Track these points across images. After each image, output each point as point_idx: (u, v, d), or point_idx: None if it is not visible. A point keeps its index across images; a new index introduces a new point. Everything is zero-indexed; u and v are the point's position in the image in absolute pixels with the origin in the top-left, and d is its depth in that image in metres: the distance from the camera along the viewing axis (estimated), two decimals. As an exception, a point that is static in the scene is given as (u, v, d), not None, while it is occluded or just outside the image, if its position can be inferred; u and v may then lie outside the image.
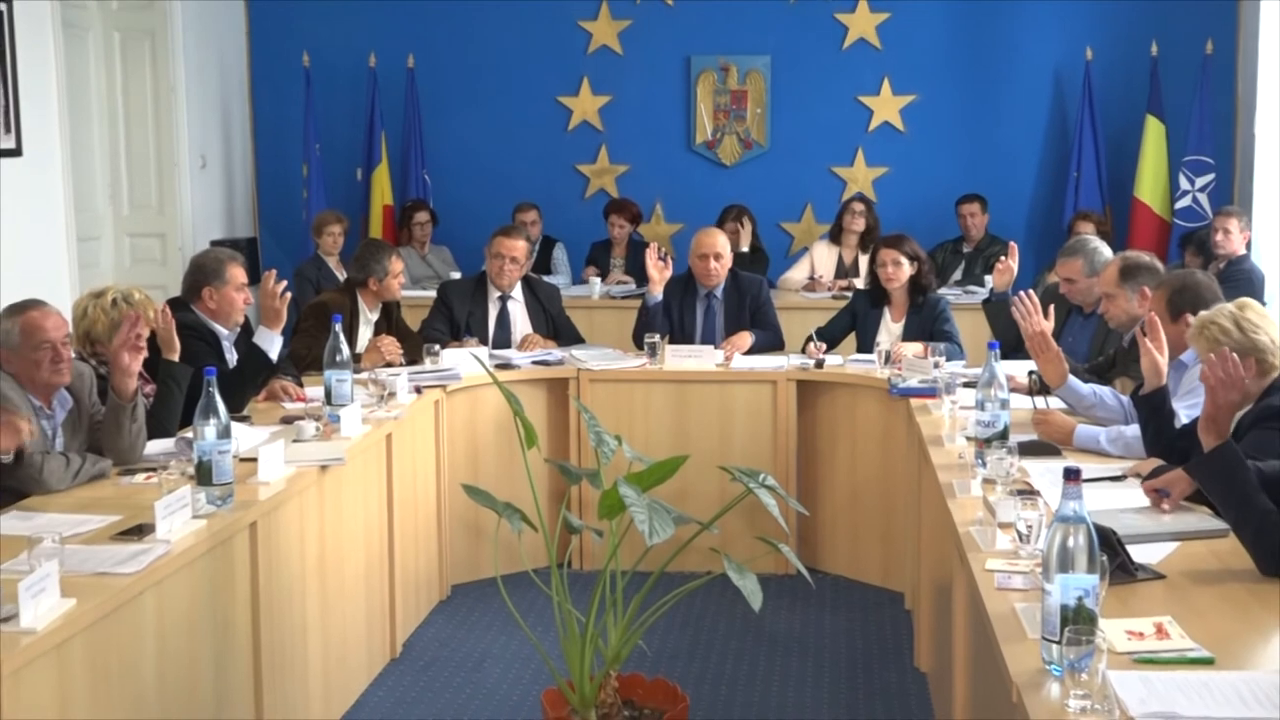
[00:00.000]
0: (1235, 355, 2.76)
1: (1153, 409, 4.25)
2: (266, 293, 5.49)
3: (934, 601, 4.97)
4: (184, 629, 3.70)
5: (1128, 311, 5.44)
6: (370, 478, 5.28)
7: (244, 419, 5.02)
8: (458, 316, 6.88)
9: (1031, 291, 5.27)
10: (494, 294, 6.97)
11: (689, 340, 6.88)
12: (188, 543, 3.68)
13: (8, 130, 7.10)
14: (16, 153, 7.17)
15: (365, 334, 6.39)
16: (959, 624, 3.92)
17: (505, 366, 6.41)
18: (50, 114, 7.54)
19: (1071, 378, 4.89)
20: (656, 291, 6.88)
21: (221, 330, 5.56)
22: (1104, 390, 5.06)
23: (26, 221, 7.25)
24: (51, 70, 7.57)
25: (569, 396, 6.37)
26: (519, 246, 6.90)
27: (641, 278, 9.14)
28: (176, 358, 4.92)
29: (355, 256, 6.66)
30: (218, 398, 3.93)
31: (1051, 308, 5.66)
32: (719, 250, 6.89)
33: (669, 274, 6.95)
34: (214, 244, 9.11)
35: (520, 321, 7.00)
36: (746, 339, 6.79)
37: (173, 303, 5.67)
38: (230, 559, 3.99)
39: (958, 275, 9.10)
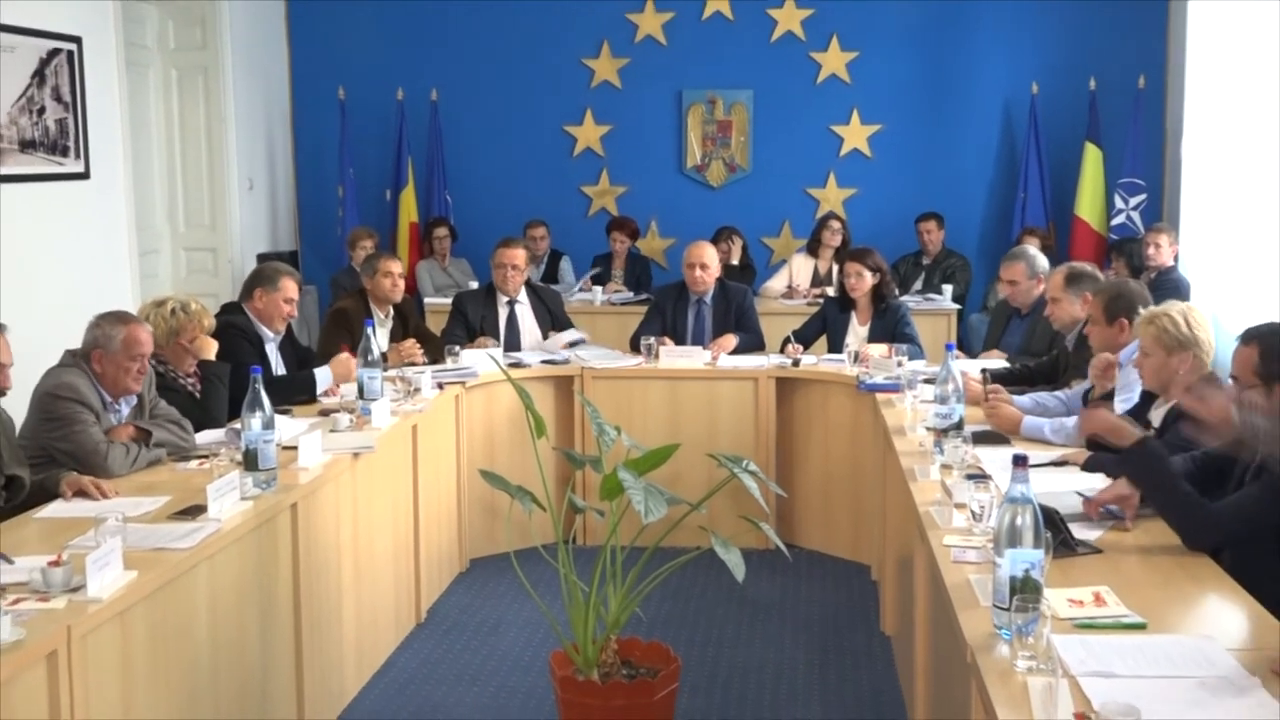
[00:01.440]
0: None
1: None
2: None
3: (897, 573, 4.98)
4: (233, 598, 3.72)
5: (1071, 314, 5.47)
6: (398, 463, 5.29)
7: (285, 412, 5.03)
8: (472, 321, 6.91)
9: (998, 387, 5.18)
10: (502, 300, 6.99)
11: (681, 341, 6.88)
12: (236, 521, 3.70)
13: (78, 156, 7.11)
14: (85, 176, 7.18)
15: (381, 335, 6.39)
16: (920, 593, 3.92)
17: (517, 365, 6.43)
18: (115, 142, 7.54)
19: (1025, 419, 4.79)
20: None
21: (267, 333, 5.60)
22: (1043, 397, 5.07)
23: (94, 237, 7.27)
24: (116, 103, 7.57)
25: (574, 392, 6.37)
26: (519, 255, 6.95)
27: (639, 286, 9.21)
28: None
29: (362, 265, 6.72)
30: (263, 393, 3.94)
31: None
32: (705, 261, 6.90)
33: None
34: (260, 257, 9.17)
35: (528, 323, 7.02)
36: (731, 340, 6.79)
37: (227, 306, 5.74)
38: (274, 536, 4.00)
39: (919, 285, 9.10)
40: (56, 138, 6.94)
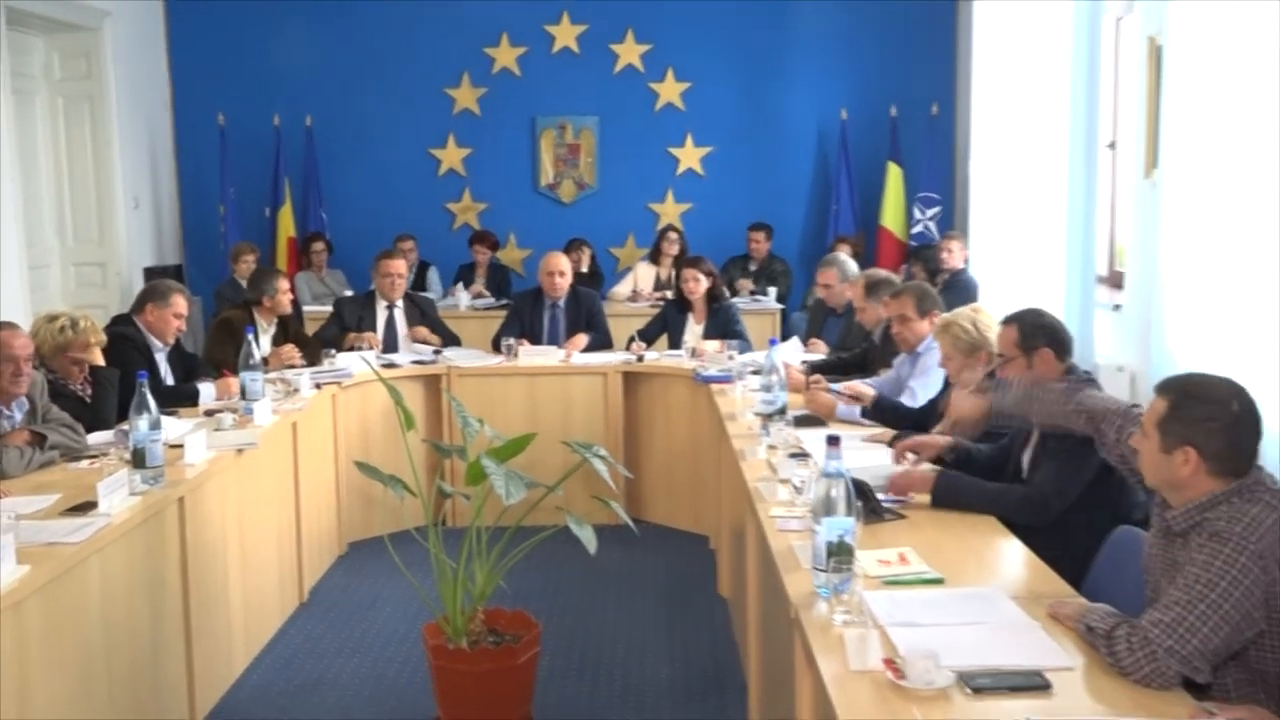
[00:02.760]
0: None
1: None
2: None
3: (732, 541, 5.02)
4: (124, 587, 3.59)
5: (875, 315, 5.61)
6: (280, 458, 5.18)
7: (172, 413, 4.87)
8: (348, 323, 6.87)
9: (818, 377, 5.30)
10: (382, 304, 6.93)
11: (538, 341, 6.86)
12: (126, 516, 3.57)
13: (-33, 178, 6.77)
14: (-26, 197, 6.85)
15: (264, 342, 6.25)
16: (751, 559, 3.97)
17: (390, 366, 6.34)
18: (2, 165, 7.18)
19: (839, 404, 4.89)
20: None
21: (156, 344, 5.44)
22: (857, 384, 5.18)
23: (-16, 254, 6.94)
24: (3, 127, 7.21)
25: (442, 389, 6.31)
26: (400, 264, 6.97)
27: (500, 293, 9.16)
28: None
29: (250, 281, 6.60)
30: (149, 396, 3.81)
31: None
32: (562, 269, 6.92)
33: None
34: (147, 271, 8.91)
35: (403, 327, 6.95)
36: (583, 340, 6.79)
37: (118, 318, 5.57)
38: (162, 528, 3.87)
39: (750, 287, 9.22)
40: (-54, 161, 6.60)
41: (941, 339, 4.26)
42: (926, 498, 3.54)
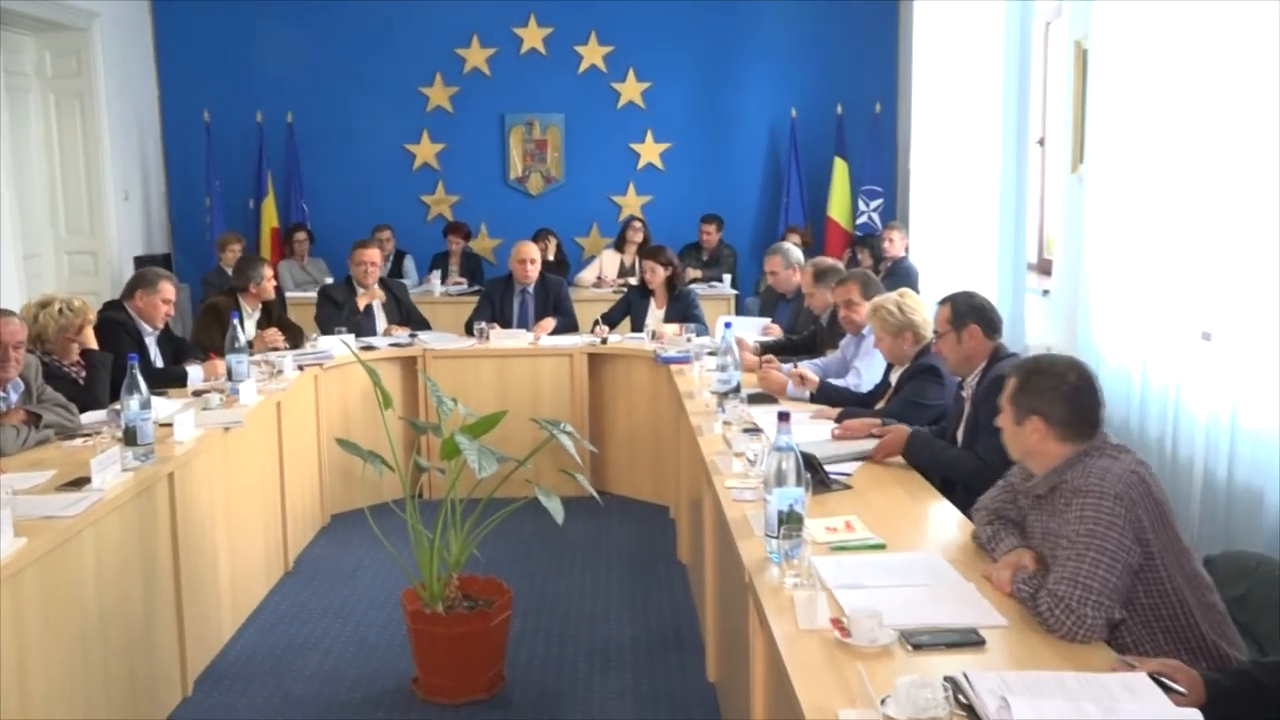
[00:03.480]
0: None
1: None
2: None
3: (690, 511, 5.05)
4: (117, 558, 3.55)
5: (823, 300, 5.63)
6: (264, 435, 5.14)
7: (161, 394, 4.82)
8: (341, 305, 6.77)
9: (770, 357, 5.35)
10: (360, 291, 6.83)
11: (508, 325, 6.84)
12: (118, 490, 3.53)
13: (-37, 171, 6.65)
14: (-30, 189, 6.73)
15: (249, 326, 6.18)
16: (708, 526, 3.98)
17: (368, 348, 6.29)
18: (-3, 157, 7.08)
19: (789, 384, 4.90)
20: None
21: (146, 328, 5.38)
22: (805, 365, 5.21)
23: (-19, 243, 6.82)
24: (-2, 123, 7.11)
25: (418, 370, 6.28)
26: (375, 253, 6.87)
27: (472, 279, 9.12)
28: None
29: (235, 269, 6.51)
30: (140, 377, 3.77)
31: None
32: (532, 257, 6.90)
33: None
34: (137, 260, 8.79)
35: (379, 314, 6.88)
36: (550, 323, 6.78)
37: (109, 304, 5.51)
38: (153, 502, 3.84)
39: (697, 275, 9.21)
40: (-57, 155, 6.48)
41: (872, 321, 4.39)
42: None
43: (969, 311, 3.73)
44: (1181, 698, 1.98)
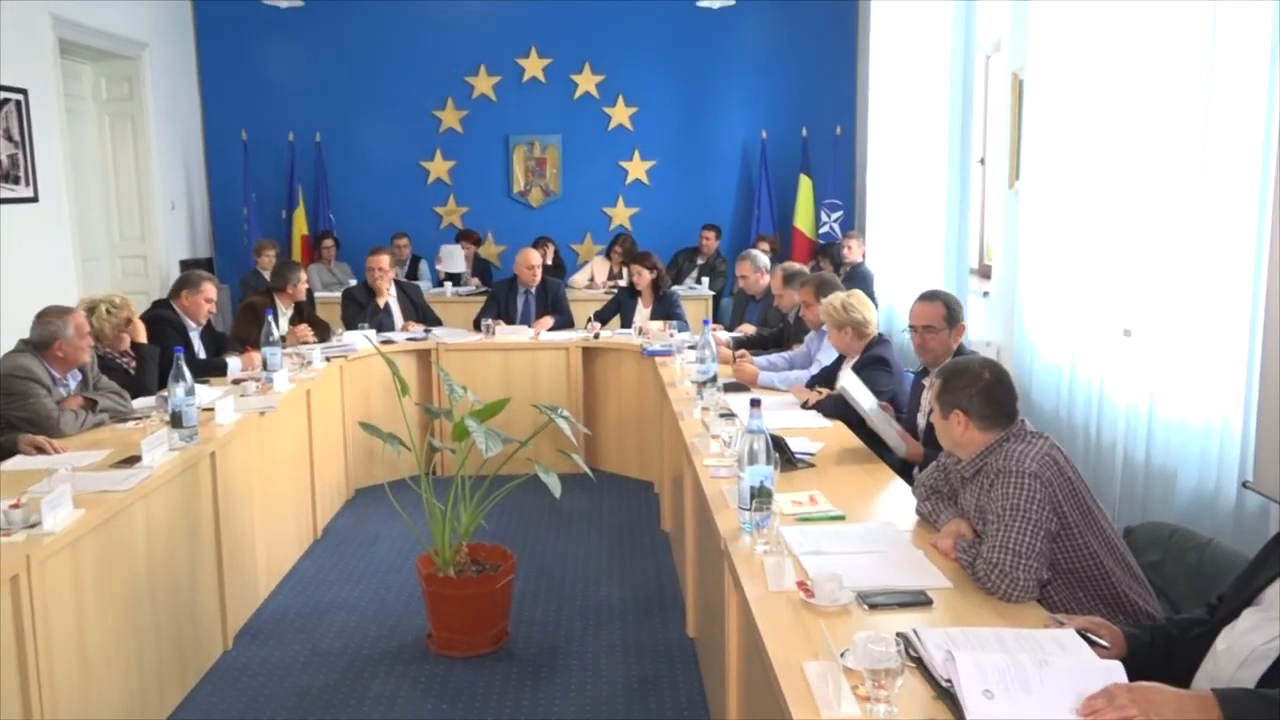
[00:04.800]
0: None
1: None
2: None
3: (672, 487, 5.05)
4: (165, 528, 3.54)
5: (791, 300, 5.63)
6: (296, 419, 5.12)
7: (204, 382, 4.80)
8: (363, 303, 6.73)
9: (744, 351, 5.32)
10: (381, 296, 6.79)
11: (511, 322, 6.82)
12: (165, 468, 3.52)
13: (28, 184, 6.59)
14: (34, 200, 6.66)
15: (283, 323, 6.15)
16: (688, 500, 3.98)
17: (388, 342, 6.27)
18: (58, 172, 6.99)
19: (760, 373, 4.92)
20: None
21: (190, 324, 5.36)
22: (774, 357, 5.22)
23: (43, 248, 6.76)
24: (58, 141, 7.02)
25: (431, 361, 6.26)
26: (384, 260, 6.77)
27: (482, 280, 9.09)
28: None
29: (274, 272, 6.49)
30: (185, 367, 3.76)
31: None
32: (535, 263, 6.89)
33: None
34: (182, 263, 8.74)
35: (396, 312, 6.85)
36: (549, 321, 6.76)
37: (157, 302, 5.49)
38: (197, 478, 3.82)
39: (694, 274, 9.22)
40: (9, 169, 6.41)
41: (823, 316, 4.45)
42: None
43: (958, 309, 3.76)
44: (1105, 650, 1.99)
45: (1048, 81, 4.70)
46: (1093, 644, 1.99)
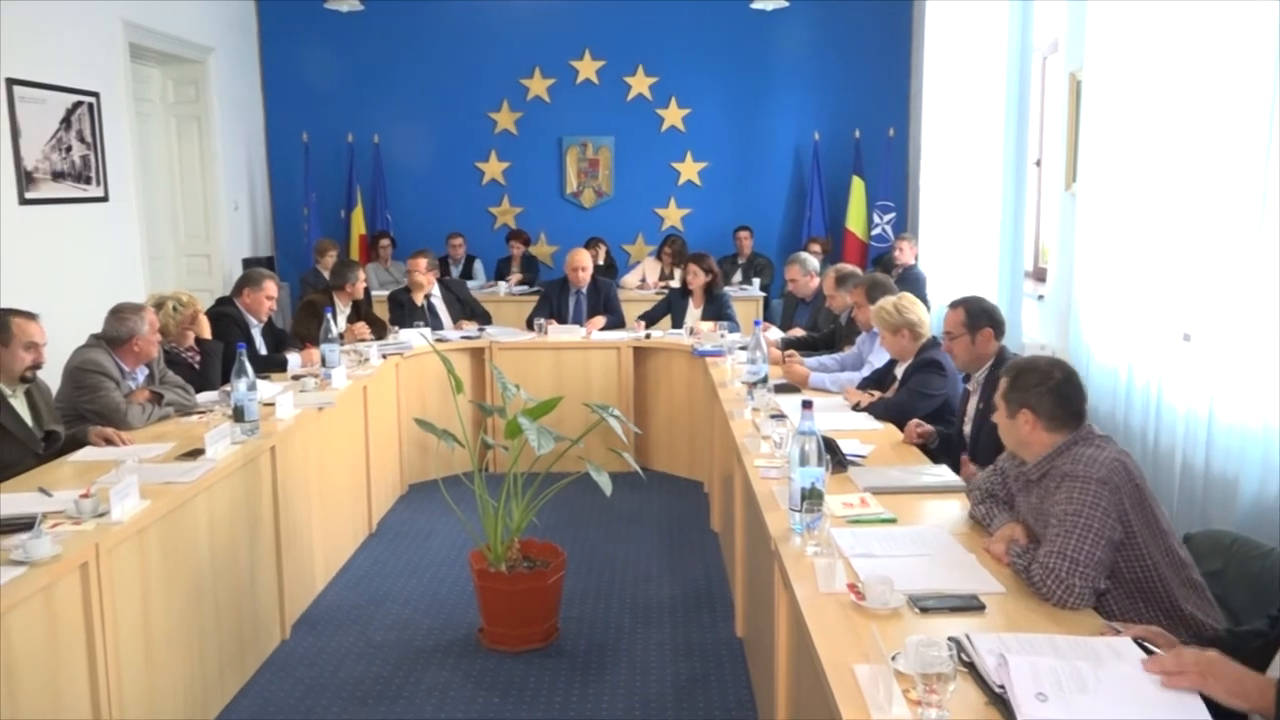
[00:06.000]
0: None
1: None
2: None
3: (722, 486, 5.03)
4: (227, 519, 3.60)
5: (843, 302, 5.60)
6: (353, 414, 5.18)
7: (265, 377, 4.88)
8: (408, 307, 6.79)
9: (793, 352, 5.25)
10: (419, 293, 6.83)
11: (564, 321, 6.84)
12: (228, 460, 3.59)
13: (98, 184, 6.75)
14: (104, 199, 6.82)
15: (341, 321, 6.24)
16: (738, 500, 3.97)
17: (443, 340, 6.33)
18: (127, 173, 7.16)
19: (812, 374, 4.89)
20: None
21: (252, 321, 5.45)
22: (825, 359, 5.18)
23: (112, 246, 6.91)
24: (127, 143, 7.19)
25: (485, 359, 6.30)
26: (420, 264, 6.77)
27: (533, 280, 9.14)
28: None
29: (334, 271, 6.57)
30: (247, 363, 3.82)
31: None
32: (585, 264, 6.90)
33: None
34: (245, 262, 8.88)
35: (442, 309, 6.90)
36: (600, 320, 6.77)
37: (221, 299, 5.59)
38: (257, 471, 3.88)
39: (737, 278, 9.19)
40: (81, 170, 6.57)
41: (876, 320, 4.37)
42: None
43: (981, 315, 3.69)
44: (1161, 660, 1.94)
45: (1107, 82, 4.61)
46: (1149, 653, 1.95)
